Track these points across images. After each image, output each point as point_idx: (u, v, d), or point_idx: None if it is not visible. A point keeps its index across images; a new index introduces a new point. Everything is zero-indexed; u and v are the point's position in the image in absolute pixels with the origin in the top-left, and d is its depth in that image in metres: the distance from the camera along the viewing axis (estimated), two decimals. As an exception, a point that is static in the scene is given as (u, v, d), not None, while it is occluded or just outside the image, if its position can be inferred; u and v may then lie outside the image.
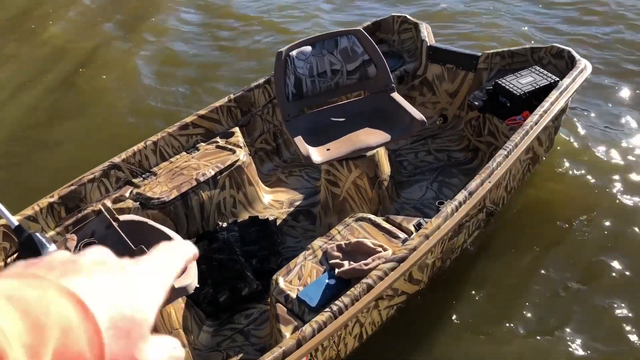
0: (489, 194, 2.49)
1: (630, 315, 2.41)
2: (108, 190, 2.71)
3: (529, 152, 2.77)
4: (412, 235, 2.16)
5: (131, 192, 2.70)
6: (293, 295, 2.08)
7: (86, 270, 0.40)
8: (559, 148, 3.23)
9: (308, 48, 2.77)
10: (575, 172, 3.13)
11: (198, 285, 2.01)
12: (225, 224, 2.75)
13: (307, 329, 1.83)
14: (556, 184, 3.08)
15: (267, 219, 2.76)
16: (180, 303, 2.27)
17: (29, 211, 2.47)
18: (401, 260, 2.04)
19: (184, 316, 2.25)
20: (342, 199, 2.75)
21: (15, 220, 1.94)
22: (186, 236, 2.71)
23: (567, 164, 3.18)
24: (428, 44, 3.36)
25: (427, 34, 3.42)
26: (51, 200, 2.53)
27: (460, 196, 2.25)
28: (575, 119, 3.53)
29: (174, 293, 1.89)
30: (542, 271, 2.64)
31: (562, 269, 2.63)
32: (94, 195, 2.66)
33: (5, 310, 0.34)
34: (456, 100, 3.35)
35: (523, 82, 2.84)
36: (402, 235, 2.28)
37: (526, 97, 2.76)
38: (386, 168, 2.81)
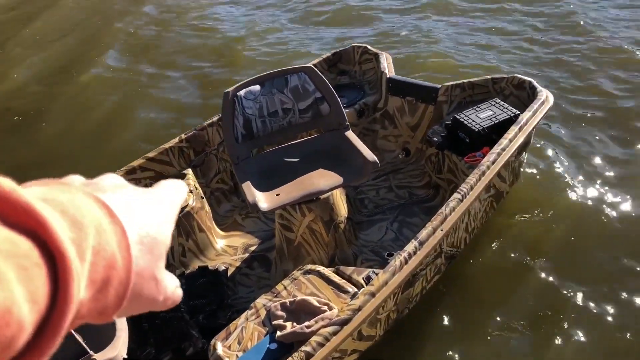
0: (446, 238, 2.37)
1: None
2: None
3: (489, 190, 2.65)
4: (358, 293, 2.02)
5: None
6: None
7: (110, 190, 0.41)
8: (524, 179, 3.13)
9: (257, 87, 2.65)
10: (540, 202, 3.02)
11: (126, 357, 1.87)
12: (173, 275, 2.60)
13: None
14: (521, 217, 2.96)
15: (217, 269, 2.62)
16: (117, 369, 2.12)
17: None
18: (344, 322, 1.90)
19: (120, 383, 2.10)
20: (297, 244, 2.61)
21: None
22: (130, 291, 2.56)
23: (533, 195, 3.07)
24: (387, 76, 3.25)
25: (387, 64, 3.31)
26: None
27: (410, 247, 2.11)
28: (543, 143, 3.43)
29: None
30: (508, 311, 2.51)
31: (528, 308, 2.51)
32: None
33: (46, 208, 0.33)
34: (418, 134, 3.23)
35: (482, 116, 2.72)
36: (352, 289, 2.14)
37: (485, 133, 2.64)
38: (342, 210, 2.68)
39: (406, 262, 2.08)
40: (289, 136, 2.76)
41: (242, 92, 2.62)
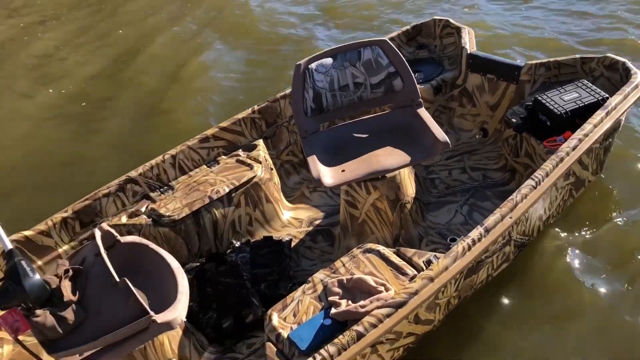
0: (516, 226, 2.25)
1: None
2: (124, 205, 2.69)
3: (568, 178, 2.48)
4: (416, 277, 1.97)
5: (147, 207, 2.66)
6: (285, 334, 1.95)
7: None
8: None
9: (329, 60, 2.61)
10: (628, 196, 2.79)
11: (185, 320, 1.93)
12: (238, 243, 2.66)
13: None
14: (604, 210, 2.76)
15: (281, 240, 2.65)
16: (178, 331, 2.21)
17: (42, 226, 2.48)
18: (399, 305, 1.86)
19: (181, 344, 2.19)
20: (361, 221, 2.59)
21: (9, 244, 1.93)
22: (197, 255, 2.65)
23: (620, 187, 2.84)
24: (468, 52, 3.10)
25: (468, 40, 3.15)
26: (65, 215, 2.53)
27: (475, 233, 2.03)
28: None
29: (157, 328, 1.81)
30: (581, 310, 2.36)
31: (597, 315, 2.35)
32: (109, 210, 2.65)
33: None
34: (497, 114, 3.08)
35: (566, 98, 2.54)
36: (411, 271, 2.09)
37: (568, 116, 2.47)
38: (410, 189, 2.61)
39: (469, 248, 2.00)
40: (359, 111, 2.71)
41: (313, 65, 2.59)
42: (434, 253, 2.14)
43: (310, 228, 2.84)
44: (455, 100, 3.23)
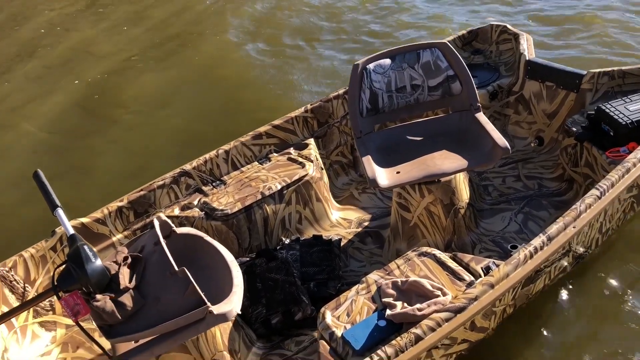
0: (577, 236, 2.19)
1: None
2: (178, 197, 2.72)
3: (632, 190, 2.41)
4: (476, 282, 1.93)
5: (199, 200, 2.69)
6: (339, 333, 1.94)
7: None
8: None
9: (387, 61, 2.59)
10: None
11: (240, 312, 1.93)
12: (288, 241, 2.66)
13: None
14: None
15: (331, 239, 2.63)
16: (229, 324, 2.22)
17: (98, 214, 2.53)
18: (459, 310, 1.83)
19: (231, 338, 2.19)
20: (413, 224, 2.56)
21: (71, 229, 1.96)
22: (247, 250, 2.66)
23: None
24: (527, 58, 3.05)
25: (527, 46, 3.10)
26: (120, 204, 2.57)
27: (537, 241, 1.98)
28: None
29: (213, 319, 1.82)
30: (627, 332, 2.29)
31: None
32: (163, 201, 2.68)
33: None
34: (554, 122, 3.01)
35: (632, 108, 2.47)
36: (468, 277, 2.05)
37: (633, 127, 2.39)
38: (464, 195, 2.57)
39: (531, 256, 1.95)
40: (415, 113, 2.68)
41: (371, 65, 2.58)
42: (492, 260, 2.10)
43: (359, 229, 2.82)
44: (510, 107, 3.17)
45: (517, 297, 2.13)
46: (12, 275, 2.31)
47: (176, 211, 2.64)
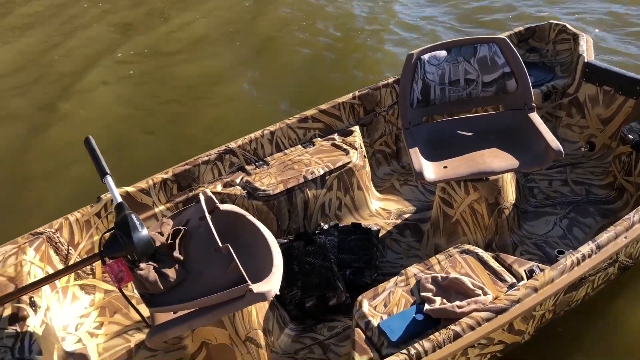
0: (625, 247, 2.13)
1: None
2: (221, 174, 2.74)
3: (687, 205, 2.33)
4: (519, 284, 1.90)
5: (242, 178, 2.70)
6: (375, 322, 1.93)
7: None
8: None
9: (442, 53, 2.55)
10: None
11: (278, 293, 1.94)
12: (326, 226, 2.66)
13: None
14: None
15: (370, 228, 2.62)
16: (266, 304, 2.23)
17: (143, 184, 2.56)
18: (500, 311, 1.80)
19: (266, 317, 2.21)
20: (454, 221, 2.53)
21: (119, 197, 2.00)
22: (285, 232, 2.67)
23: None
24: (585, 60, 2.96)
25: (586, 48, 3.00)
26: (165, 176, 2.60)
27: (585, 248, 1.93)
28: None
29: (252, 297, 1.83)
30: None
31: None
32: (206, 177, 2.71)
33: None
34: (608, 128, 2.92)
35: (695, 120, 2.38)
36: (510, 279, 2.02)
37: (695, 139, 2.31)
38: (510, 195, 2.53)
39: (578, 263, 1.91)
40: (465, 108, 2.64)
41: (426, 56, 2.54)
42: (535, 263, 2.06)
43: (399, 221, 2.80)
44: (563, 109, 3.09)
45: (557, 304, 2.09)
46: (57, 237, 2.36)
47: (219, 188, 2.66)
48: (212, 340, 2.09)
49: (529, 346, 2.17)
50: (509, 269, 2.07)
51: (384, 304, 2.00)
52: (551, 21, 3.27)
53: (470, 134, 2.55)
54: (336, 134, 2.92)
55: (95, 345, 2.24)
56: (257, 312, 2.15)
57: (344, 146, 2.82)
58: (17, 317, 1.99)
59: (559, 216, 2.66)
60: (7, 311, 2.02)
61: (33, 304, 2.08)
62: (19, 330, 1.95)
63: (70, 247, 2.40)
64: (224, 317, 2.02)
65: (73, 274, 2.40)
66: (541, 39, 3.29)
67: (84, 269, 2.42)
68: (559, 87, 3.05)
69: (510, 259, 2.11)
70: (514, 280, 2.01)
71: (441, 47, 2.55)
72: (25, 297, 2.06)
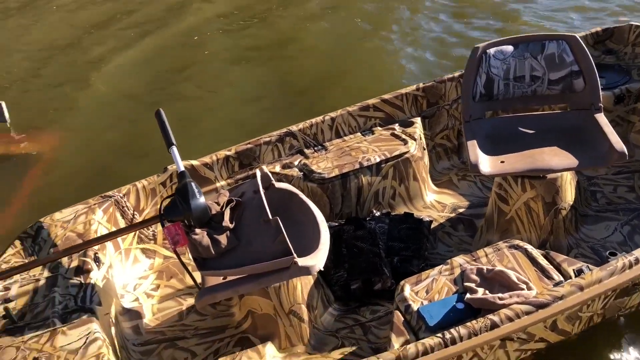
0: None
1: None
2: (280, 155, 2.83)
3: None
4: (564, 282, 1.86)
5: (300, 161, 2.78)
6: (415, 307, 1.96)
7: None
8: None
9: (509, 48, 2.52)
10: None
11: (322, 269, 2.00)
12: (378, 213, 2.69)
13: (410, 348, 1.71)
14: None
15: (422, 219, 2.63)
16: (311, 280, 2.30)
17: (207, 159, 2.69)
18: (541, 306, 1.78)
19: (311, 294, 2.28)
20: (509, 218, 2.50)
21: (182, 166, 2.13)
22: (337, 216, 2.73)
23: None
24: None
25: None
26: (228, 153, 2.72)
27: (639, 252, 1.87)
28: None
29: (296, 270, 1.90)
30: None
31: None
32: (266, 157, 2.80)
33: None
34: None
35: None
36: (557, 277, 1.99)
37: None
38: (569, 196, 2.47)
39: (630, 266, 1.85)
40: (529, 105, 2.59)
41: (492, 50, 2.52)
42: (586, 264, 2.02)
43: (452, 215, 2.80)
44: (636, 114, 2.97)
45: (607, 307, 2.03)
46: (125, 201, 2.53)
47: (277, 168, 2.75)
48: (258, 309, 2.18)
49: (575, 349, 2.12)
50: (558, 267, 2.04)
51: (426, 291, 2.02)
52: (631, 22, 3.14)
53: (532, 131, 2.51)
54: (397, 124, 2.93)
55: (150, 305, 2.39)
56: (303, 287, 2.22)
57: (403, 136, 2.83)
58: (82, 270, 2.17)
59: (620, 222, 2.56)
60: (74, 263, 2.20)
61: (97, 260, 2.24)
62: (82, 281, 2.12)
63: (135, 212, 2.56)
64: (270, 287, 2.11)
65: (136, 238, 2.56)
66: (619, 40, 3.17)
67: (145, 233, 2.59)
68: (634, 91, 2.93)
69: (560, 257, 2.07)
70: (562, 278, 1.98)
71: (508, 42, 2.52)
72: (91, 253, 2.23)
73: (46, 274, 2.15)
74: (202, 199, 1.98)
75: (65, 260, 2.21)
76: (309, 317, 2.24)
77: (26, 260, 2.22)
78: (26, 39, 5.58)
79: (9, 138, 4.06)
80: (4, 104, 4.02)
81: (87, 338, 1.85)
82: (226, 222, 2.02)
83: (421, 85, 3.00)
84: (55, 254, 2.16)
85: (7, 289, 2.10)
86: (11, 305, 2.01)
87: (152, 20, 5.80)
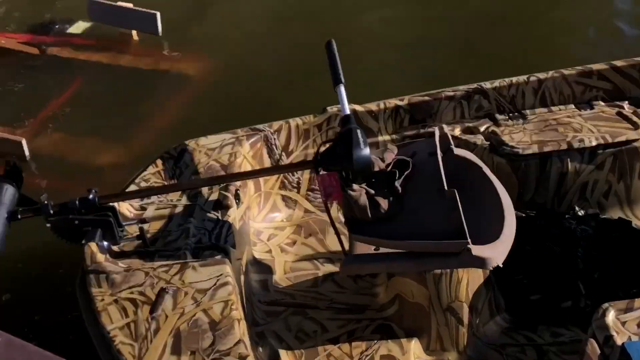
0: None
1: None
2: (464, 116, 2.36)
3: None
4: None
5: (487, 127, 2.30)
6: (619, 340, 1.47)
7: None
8: None
9: None
10: None
11: (500, 266, 1.62)
12: (582, 212, 2.16)
13: None
14: None
15: (643, 229, 2.03)
16: (480, 277, 1.85)
17: (372, 106, 2.31)
18: None
19: (478, 293, 1.83)
20: None
21: (348, 109, 1.83)
22: (526, 204, 2.21)
23: None
24: None
25: None
26: (399, 103, 2.31)
27: None
28: None
29: (468, 259, 1.56)
30: None
31: None
32: (446, 116, 2.35)
33: None
34: None
35: None
36: None
37: None
38: None
39: None
40: None
41: None
42: None
43: None
44: None
45: None
46: (274, 138, 2.27)
47: (457, 131, 2.29)
48: (409, 295, 1.84)
49: None
50: None
51: (638, 324, 1.51)
52: None
53: None
54: (626, 102, 2.33)
55: (283, 262, 2.13)
56: (469, 283, 1.80)
57: (634, 118, 2.23)
58: (222, 205, 1.96)
59: None
60: (214, 196, 2.00)
61: (237, 197, 2.02)
62: (220, 217, 1.92)
63: (283, 152, 2.29)
64: (429, 273, 1.75)
65: (279, 182, 2.29)
66: None
67: (290, 179, 2.32)
68: None
69: None
70: None
71: None
72: (232, 188, 2.02)
73: (184, 201, 1.98)
74: (367, 150, 1.67)
75: (205, 190, 2.02)
76: (470, 321, 1.81)
77: (166, 183, 2.07)
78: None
79: (160, 55, 3.95)
80: (158, 15, 3.95)
81: (217, 280, 1.67)
82: (390, 183, 1.69)
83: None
84: (197, 180, 2.01)
85: (143, 208, 1.96)
86: (145, 226, 1.87)
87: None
